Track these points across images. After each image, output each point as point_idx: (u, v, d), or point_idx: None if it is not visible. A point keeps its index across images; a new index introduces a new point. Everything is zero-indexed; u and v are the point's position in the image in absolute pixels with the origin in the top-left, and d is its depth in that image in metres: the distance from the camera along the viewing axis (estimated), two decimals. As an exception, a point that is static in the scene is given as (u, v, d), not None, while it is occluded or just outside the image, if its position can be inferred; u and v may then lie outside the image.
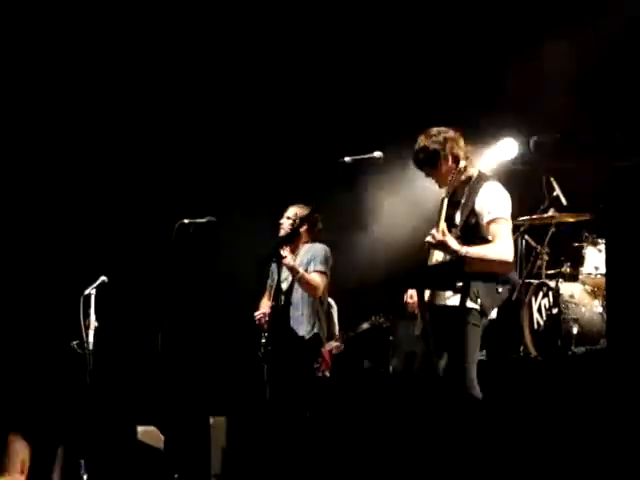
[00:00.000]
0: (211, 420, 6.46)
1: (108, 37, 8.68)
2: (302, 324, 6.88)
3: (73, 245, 8.66)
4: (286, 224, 7.01)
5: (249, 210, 8.51)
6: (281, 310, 6.79)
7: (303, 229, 6.96)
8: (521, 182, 7.53)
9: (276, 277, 6.58)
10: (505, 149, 8.47)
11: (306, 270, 6.89)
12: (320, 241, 7.07)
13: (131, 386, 8.16)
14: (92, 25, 8.63)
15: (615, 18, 7.51)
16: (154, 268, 7.64)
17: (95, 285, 7.35)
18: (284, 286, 6.88)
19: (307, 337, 6.86)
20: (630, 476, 4.94)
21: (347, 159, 5.70)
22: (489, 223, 5.52)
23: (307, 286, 6.86)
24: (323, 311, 7.00)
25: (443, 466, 5.24)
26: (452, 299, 5.54)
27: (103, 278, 7.38)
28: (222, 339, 8.59)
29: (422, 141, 5.70)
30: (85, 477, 5.42)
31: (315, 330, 6.89)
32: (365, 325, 7.97)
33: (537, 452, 5.55)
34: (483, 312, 5.53)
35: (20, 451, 5.47)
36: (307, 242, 7.06)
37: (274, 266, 6.95)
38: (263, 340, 6.82)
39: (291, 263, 6.73)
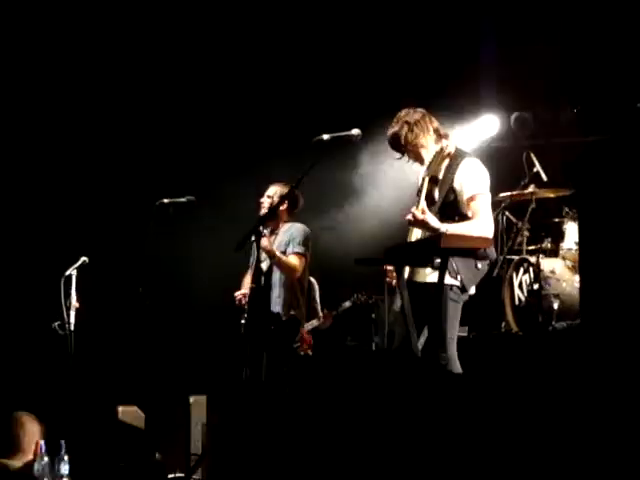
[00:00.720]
0: (191, 399, 6.46)
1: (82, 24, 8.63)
2: (279, 305, 6.87)
3: (53, 226, 8.63)
4: (266, 203, 6.96)
5: (230, 188, 8.49)
6: (261, 291, 6.77)
7: (283, 207, 6.93)
8: (501, 158, 7.55)
9: (255, 257, 6.57)
10: (486, 125, 8.48)
11: (284, 251, 6.87)
12: (300, 220, 7.06)
13: (112, 366, 8.16)
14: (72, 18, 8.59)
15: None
16: (134, 248, 7.63)
17: (76, 266, 7.33)
18: (264, 266, 6.85)
19: (284, 318, 6.86)
20: (610, 453, 4.96)
21: (325, 136, 5.69)
22: (469, 200, 5.52)
23: (284, 269, 6.84)
24: (303, 292, 6.98)
25: (424, 443, 5.25)
26: (431, 276, 5.55)
27: (84, 259, 7.37)
28: (202, 318, 8.59)
29: (390, 127, 5.73)
30: (66, 457, 5.41)
31: (292, 312, 6.88)
32: (347, 303, 8.00)
33: (518, 429, 5.57)
34: (463, 288, 5.54)
35: (36, 432, 5.48)
36: (287, 221, 7.04)
37: (255, 245, 6.94)
38: (242, 320, 6.82)
39: (268, 246, 6.67)
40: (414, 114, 5.71)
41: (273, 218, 6.88)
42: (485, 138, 8.24)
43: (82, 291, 7.29)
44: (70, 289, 7.22)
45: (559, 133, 8.33)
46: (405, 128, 5.67)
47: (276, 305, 6.87)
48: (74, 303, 7.20)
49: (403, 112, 5.73)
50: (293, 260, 6.86)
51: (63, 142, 8.77)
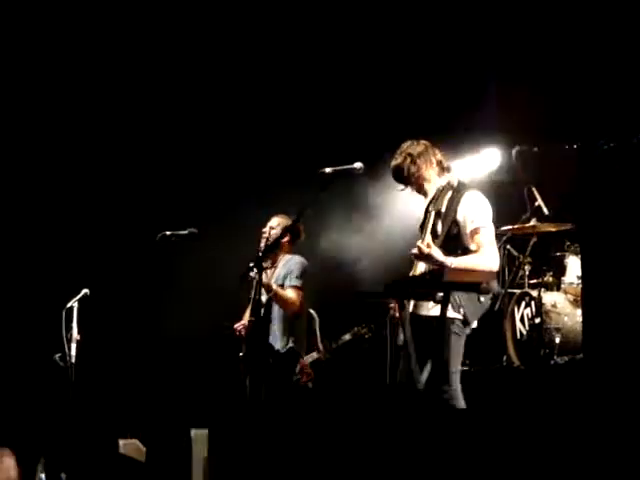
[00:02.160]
0: (192, 433, 6.43)
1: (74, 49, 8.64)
2: (277, 338, 6.87)
3: (55, 258, 8.63)
4: (269, 234, 6.98)
5: (231, 221, 8.49)
6: (260, 324, 6.77)
7: (285, 240, 6.95)
8: (503, 192, 7.55)
9: (255, 290, 6.61)
10: (488, 159, 8.49)
11: (282, 285, 6.87)
12: (299, 253, 7.06)
13: (113, 399, 8.13)
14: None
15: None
16: (136, 280, 7.63)
17: (77, 298, 7.33)
18: (263, 299, 6.85)
19: (282, 351, 6.85)
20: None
21: (327, 170, 5.70)
22: (472, 233, 5.52)
23: (282, 302, 6.85)
24: (301, 324, 6.97)
25: (427, 477, 5.23)
26: (435, 309, 5.53)
27: (85, 291, 7.37)
28: (204, 352, 8.57)
29: (393, 159, 5.76)
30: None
31: (290, 344, 6.88)
32: (347, 336, 7.97)
33: (520, 462, 5.55)
34: (466, 321, 5.53)
35: (11, 468, 5.43)
36: (287, 253, 7.05)
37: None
38: (241, 353, 6.83)
39: (265, 281, 6.68)
40: (417, 146, 5.73)
41: (275, 250, 6.89)
42: (486, 172, 8.24)
43: (83, 323, 7.28)
44: (71, 321, 7.22)
45: (561, 168, 8.34)
46: (408, 160, 5.70)
47: (275, 338, 6.87)
48: (75, 335, 7.20)
49: (406, 144, 5.75)
50: (290, 294, 6.87)
51: (65, 173, 8.79)
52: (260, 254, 5.93)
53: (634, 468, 4.29)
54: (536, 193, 7.74)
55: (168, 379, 8.30)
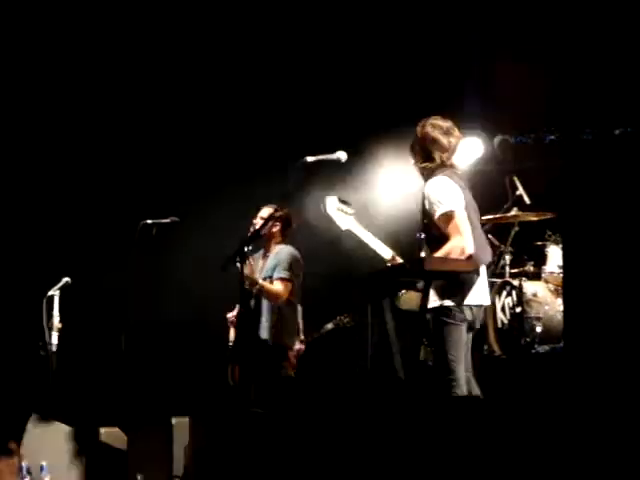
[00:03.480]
0: (174, 420, 6.43)
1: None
2: (266, 330, 6.86)
3: (36, 246, 8.60)
4: (259, 224, 6.97)
5: (213, 209, 8.48)
6: (249, 315, 6.78)
7: (276, 229, 6.94)
8: (485, 181, 7.56)
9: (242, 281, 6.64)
10: (470, 148, 8.49)
11: (271, 276, 6.86)
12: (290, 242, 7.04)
13: (94, 387, 8.12)
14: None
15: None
16: (117, 269, 7.61)
17: (58, 286, 7.32)
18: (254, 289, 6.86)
19: (271, 343, 6.84)
20: (591, 474, 4.97)
21: (309, 159, 5.69)
22: (438, 220, 5.50)
23: (268, 295, 6.84)
24: (290, 315, 6.96)
25: (418, 466, 5.26)
26: (433, 301, 5.55)
27: (66, 279, 7.35)
28: (185, 339, 8.57)
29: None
30: (47, 478, 5.39)
31: (278, 337, 6.87)
32: (330, 325, 7.98)
33: (502, 451, 5.57)
34: (459, 307, 5.54)
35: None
36: (280, 243, 7.02)
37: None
38: (230, 343, 6.83)
39: (249, 274, 6.62)
40: (422, 125, 5.77)
41: (265, 240, 6.89)
42: (469, 161, 8.25)
43: (64, 311, 7.27)
44: (52, 310, 7.21)
45: (542, 157, 8.35)
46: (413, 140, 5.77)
47: (264, 330, 6.86)
48: (56, 324, 7.18)
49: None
50: (276, 286, 6.84)
51: (46, 162, 8.75)
52: (242, 244, 5.90)
53: (615, 456, 4.31)
54: (517, 182, 7.75)
55: (149, 367, 8.29)
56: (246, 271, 6.52)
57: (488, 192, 7.49)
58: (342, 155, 5.73)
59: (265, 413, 6.20)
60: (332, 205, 5.61)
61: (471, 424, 5.45)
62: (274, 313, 6.86)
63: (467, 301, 5.56)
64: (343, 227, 5.61)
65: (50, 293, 7.25)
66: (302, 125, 8.56)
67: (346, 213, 5.63)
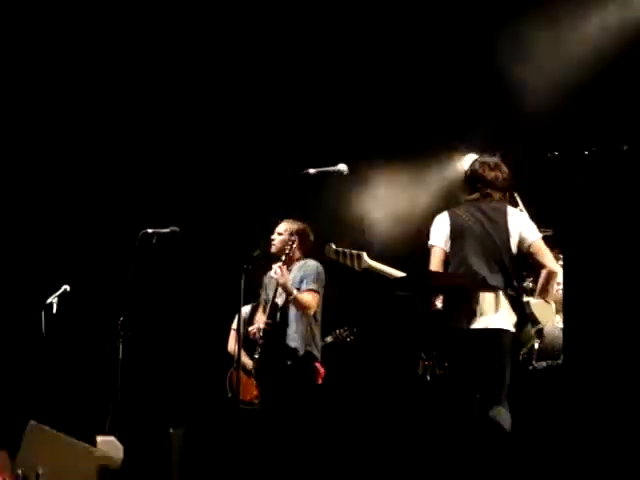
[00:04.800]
0: (171, 431, 6.42)
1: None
2: (295, 341, 6.88)
3: (36, 254, 8.60)
4: (277, 240, 7.01)
5: (214, 220, 8.50)
6: (278, 327, 6.83)
7: (295, 244, 6.98)
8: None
9: (271, 293, 6.69)
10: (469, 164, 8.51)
11: (299, 288, 6.89)
12: (312, 257, 7.07)
13: (91, 395, 8.11)
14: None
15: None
16: (117, 277, 7.61)
17: (57, 294, 7.31)
18: (279, 302, 6.89)
19: (300, 354, 6.87)
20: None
21: (311, 171, 5.71)
22: None
23: (300, 306, 6.87)
24: (315, 327, 6.98)
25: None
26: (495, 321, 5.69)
27: (65, 287, 7.35)
28: (183, 349, 8.57)
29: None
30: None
31: (308, 348, 6.89)
32: (329, 338, 7.99)
33: (502, 466, 5.57)
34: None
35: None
36: (300, 258, 7.05)
37: (268, 281, 7.00)
38: (256, 355, 6.85)
39: (288, 285, 6.75)
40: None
41: (285, 254, 6.93)
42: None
43: (63, 319, 7.27)
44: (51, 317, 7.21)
45: (542, 174, 8.37)
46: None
47: (292, 340, 6.88)
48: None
49: None
50: (307, 297, 6.88)
51: (46, 169, 8.75)
52: (256, 254, 5.96)
53: (613, 472, 4.32)
54: (518, 198, 7.77)
55: (148, 377, 8.29)
56: (282, 280, 6.62)
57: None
58: (343, 167, 5.76)
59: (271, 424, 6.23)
60: (333, 252, 5.75)
61: (468, 438, 5.46)
62: (302, 324, 6.89)
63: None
64: (358, 268, 5.74)
65: (49, 301, 7.24)
66: (304, 138, 8.57)
67: (352, 255, 5.74)
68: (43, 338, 7.16)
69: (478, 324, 5.73)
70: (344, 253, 5.75)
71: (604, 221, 4.89)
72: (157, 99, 8.74)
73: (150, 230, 7.07)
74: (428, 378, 7.50)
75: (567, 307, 4.87)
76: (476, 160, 6.10)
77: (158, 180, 8.82)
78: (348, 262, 5.76)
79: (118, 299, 7.24)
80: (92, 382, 8.23)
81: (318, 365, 6.95)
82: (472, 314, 5.73)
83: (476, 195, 5.93)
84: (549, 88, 7.69)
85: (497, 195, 5.92)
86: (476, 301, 5.71)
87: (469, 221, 5.82)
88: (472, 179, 5.98)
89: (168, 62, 8.63)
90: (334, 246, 5.79)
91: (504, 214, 5.84)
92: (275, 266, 6.76)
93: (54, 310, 7.22)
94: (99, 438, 6.41)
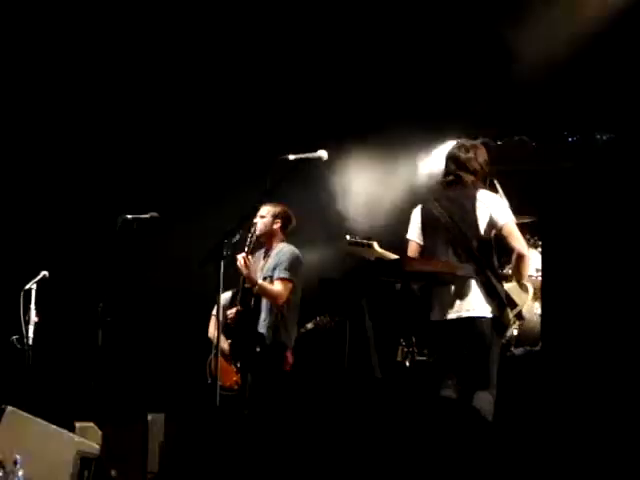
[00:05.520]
0: (149, 417, 6.42)
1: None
2: (264, 328, 6.85)
3: (13, 239, 8.55)
4: (260, 223, 6.96)
5: (193, 206, 8.47)
6: (249, 313, 6.79)
7: (277, 226, 6.94)
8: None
9: (242, 280, 6.68)
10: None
11: (272, 276, 6.85)
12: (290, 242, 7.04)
13: (70, 381, 8.10)
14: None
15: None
16: (96, 263, 7.59)
17: (36, 280, 7.29)
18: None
19: (269, 341, 6.84)
20: (567, 473, 5.00)
21: (290, 157, 5.70)
22: None
23: (267, 295, 6.83)
24: (289, 314, 6.94)
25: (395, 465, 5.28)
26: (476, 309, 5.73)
27: (44, 273, 7.33)
28: (163, 335, 8.55)
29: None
30: (20, 472, 5.35)
31: (278, 335, 6.86)
32: (309, 325, 8.00)
33: (476, 452, 5.59)
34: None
35: None
36: (282, 241, 7.02)
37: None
38: (229, 341, 6.84)
39: (251, 276, 6.70)
40: None
41: (266, 238, 6.89)
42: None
43: (42, 305, 7.24)
44: (30, 303, 7.18)
45: (523, 161, 8.39)
46: None
47: (262, 327, 6.85)
48: (33, 317, 7.16)
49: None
50: (276, 287, 6.82)
51: (25, 156, 8.70)
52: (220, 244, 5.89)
53: (590, 456, 4.34)
54: (498, 185, 7.78)
55: (126, 362, 8.27)
56: (245, 271, 6.59)
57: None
58: (323, 154, 5.75)
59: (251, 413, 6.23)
60: (347, 245, 5.75)
61: (449, 425, 5.48)
62: (273, 312, 6.85)
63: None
64: (370, 257, 5.75)
65: (28, 286, 7.22)
66: (285, 125, 8.55)
67: (363, 244, 5.74)
68: (22, 324, 7.11)
69: (451, 314, 5.75)
70: (357, 243, 5.72)
71: (583, 210, 4.91)
72: (134, 84, 8.68)
73: (130, 216, 7.05)
74: (407, 364, 7.53)
75: (545, 294, 4.90)
76: (456, 142, 6.09)
77: (137, 165, 8.78)
78: (362, 252, 5.74)
79: (98, 285, 7.23)
80: (71, 368, 8.22)
81: (288, 353, 6.92)
82: (444, 305, 5.76)
83: (449, 178, 5.92)
84: (537, 69, 7.68)
85: (469, 178, 5.88)
86: (448, 292, 5.73)
87: (438, 213, 5.84)
88: (447, 160, 5.99)
89: (144, 46, 8.54)
90: (348, 237, 5.74)
91: (472, 200, 5.80)
92: (239, 256, 6.69)
93: (33, 296, 7.18)
94: (78, 424, 6.41)
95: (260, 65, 8.61)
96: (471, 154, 5.93)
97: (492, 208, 5.77)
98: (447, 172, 5.97)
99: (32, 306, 7.18)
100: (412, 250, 5.90)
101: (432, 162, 8.41)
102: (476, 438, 4.96)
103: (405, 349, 7.66)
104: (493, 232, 5.75)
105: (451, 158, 5.97)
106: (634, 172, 5.47)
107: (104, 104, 8.74)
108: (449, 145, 8.28)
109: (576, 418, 5.18)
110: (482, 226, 5.74)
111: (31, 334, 7.12)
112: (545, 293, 5.23)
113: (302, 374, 7.52)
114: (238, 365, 6.93)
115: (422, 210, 5.95)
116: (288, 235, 7.07)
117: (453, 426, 5.05)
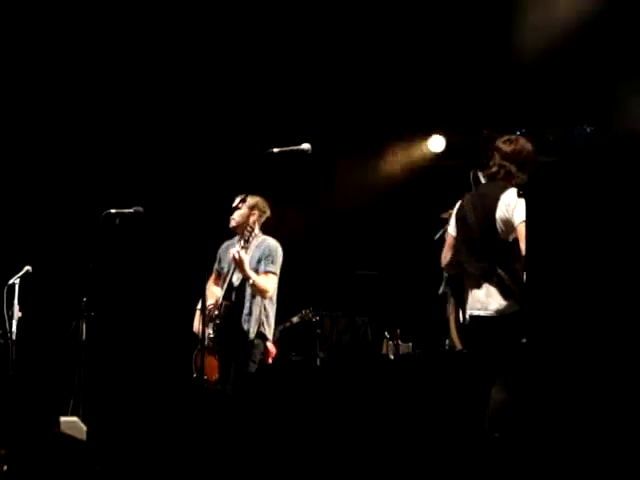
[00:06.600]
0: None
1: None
2: (248, 322, 6.84)
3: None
4: (236, 214, 6.94)
5: (177, 200, 8.47)
6: (233, 306, 6.78)
7: (254, 217, 6.93)
8: (449, 176, 7.60)
9: (225, 267, 6.65)
10: (434, 145, 8.56)
11: (257, 269, 6.85)
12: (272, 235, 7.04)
13: (54, 376, 8.07)
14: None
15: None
16: (79, 258, 7.57)
17: (19, 275, 7.28)
18: (235, 281, 6.84)
19: (252, 336, 6.83)
20: (558, 469, 5.01)
21: (275, 150, 5.69)
22: None
23: (257, 289, 6.82)
24: (270, 307, 6.96)
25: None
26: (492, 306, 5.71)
27: (27, 268, 7.31)
28: (148, 329, 8.55)
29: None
30: (5, 467, 5.34)
31: (261, 328, 6.86)
32: (295, 319, 8.02)
33: (460, 444, 5.61)
34: None
35: None
36: (259, 234, 7.00)
37: (223, 254, 6.94)
38: (210, 332, 6.81)
39: (248, 272, 6.69)
40: None
41: (242, 229, 6.88)
42: (433, 156, 8.33)
43: (25, 300, 7.23)
44: (13, 298, 7.17)
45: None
46: None
47: (246, 322, 6.84)
48: (16, 312, 7.14)
49: None
50: (265, 281, 6.83)
51: (7, 149, 8.67)
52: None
53: (576, 451, 4.35)
54: (481, 177, 7.79)
55: (110, 357, 8.26)
56: (242, 266, 6.59)
57: (452, 187, 7.53)
58: (307, 147, 5.75)
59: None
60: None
61: (429, 418, 5.49)
62: (256, 305, 6.85)
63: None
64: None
65: (11, 282, 7.20)
66: (270, 117, 8.56)
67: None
68: (5, 319, 7.10)
69: (474, 312, 5.78)
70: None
71: (567, 206, 4.92)
72: (120, 79, 8.66)
73: (113, 210, 7.03)
74: (392, 357, 7.55)
75: (528, 287, 4.90)
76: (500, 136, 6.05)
77: (121, 160, 8.76)
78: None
79: (81, 280, 7.21)
80: (55, 363, 8.20)
81: (270, 345, 6.93)
82: (467, 305, 5.81)
83: (487, 171, 5.92)
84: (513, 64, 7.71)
85: (512, 168, 5.82)
86: (466, 293, 5.79)
87: (467, 210, 5.82)
88: (490, 152, 5.94)
89: (130, 41, 8.53)
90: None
91: (495, 199, 5.76)
92: (233, 250, 6.69)
93: (16, 291, 7.17)
94: (62, 419, 6.39)
95: (250, 61, 8.63)
96: (514, 146, 5.90)
97: (510, 209, 5.71)
98: (487, 163, 5.92)
99: (15, 301, 7.16)
100: (448, 243, 5.89)
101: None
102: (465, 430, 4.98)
103: (390, 342, 7.69)
104: (511, 232, 5.72)
105: (492, 149, 5.92)
106: (619, 165, 5.48)
107: (86, 99, 8.72)
108: (432, 139, 8.36)
109: (562, 411, 5.20)
110: (499, 226, 5.71)
111: (14, 329, 7.10)
112: (528, 286, 5.24)
113: (284, 367, 7.54)
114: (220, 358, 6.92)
115: (458, 206, 5.91)
116: (262, 226, 7.07)
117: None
